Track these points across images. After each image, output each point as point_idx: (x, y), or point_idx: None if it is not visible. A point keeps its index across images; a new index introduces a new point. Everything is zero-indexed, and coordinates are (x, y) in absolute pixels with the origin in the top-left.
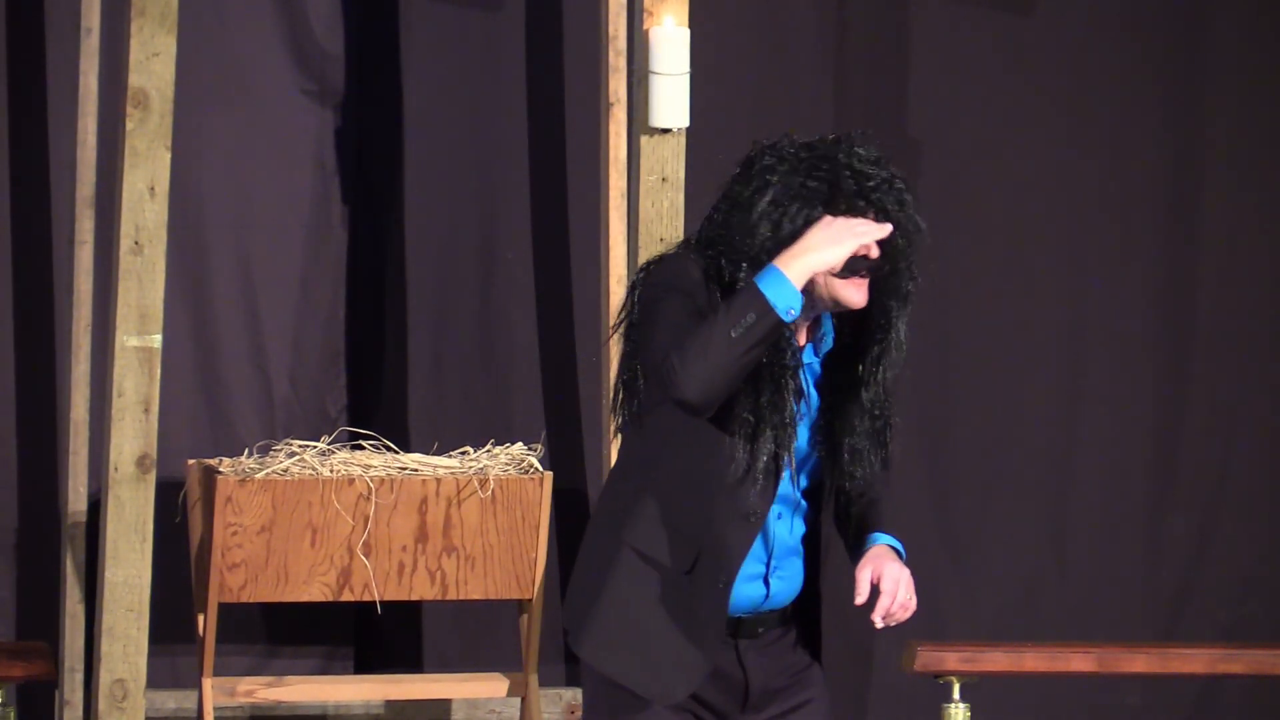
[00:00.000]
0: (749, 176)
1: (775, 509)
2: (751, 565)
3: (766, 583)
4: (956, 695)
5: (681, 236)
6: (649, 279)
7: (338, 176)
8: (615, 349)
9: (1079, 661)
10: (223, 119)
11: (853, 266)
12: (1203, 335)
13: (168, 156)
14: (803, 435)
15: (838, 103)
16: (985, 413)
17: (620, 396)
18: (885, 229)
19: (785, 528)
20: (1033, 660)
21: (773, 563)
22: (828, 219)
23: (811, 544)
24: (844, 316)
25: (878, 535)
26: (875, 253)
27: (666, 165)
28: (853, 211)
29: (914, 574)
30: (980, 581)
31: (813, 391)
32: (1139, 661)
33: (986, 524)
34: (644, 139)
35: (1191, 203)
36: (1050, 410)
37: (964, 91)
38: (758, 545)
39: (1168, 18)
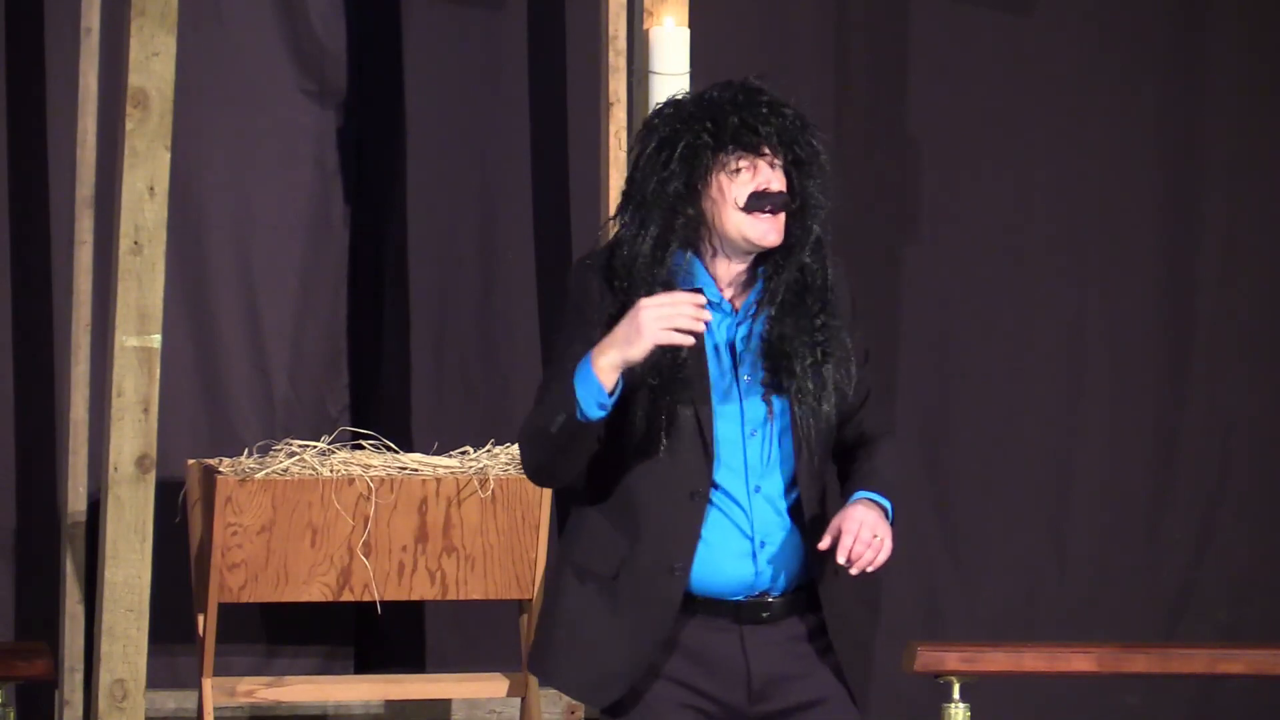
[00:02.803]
0: (640, 137)
1: (749, 483)
2: (736, 543)
3: (755, 561)
4: (956, 695)
5: None
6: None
7: (338, 176)
8: None
9: (1079, 661)
10: (223, 119)
11: (755, 205)
12: (1203, 335)
13: (168, 156)
14: (756, 403)
15: (838, 103)
16: (985, 413)
17: None
18: (694, 317)
19: (766, 503)
20: (1033, 660)
21: (758, 539)
22: (640, 303)
23: (814, 525)
24: (774, 266)
25: (859, 492)
26: (775, 186)
27: None
28: (738, 143)
29: (914, 572)
30: (980, 581)
31: (751, 355)
32: (1139, 661)
33: (986, 524)
34: None
35: (1191, 203)
36: (1050, 410)
37: (964, 91)
38: (740, 523)
39: (1167, 18)
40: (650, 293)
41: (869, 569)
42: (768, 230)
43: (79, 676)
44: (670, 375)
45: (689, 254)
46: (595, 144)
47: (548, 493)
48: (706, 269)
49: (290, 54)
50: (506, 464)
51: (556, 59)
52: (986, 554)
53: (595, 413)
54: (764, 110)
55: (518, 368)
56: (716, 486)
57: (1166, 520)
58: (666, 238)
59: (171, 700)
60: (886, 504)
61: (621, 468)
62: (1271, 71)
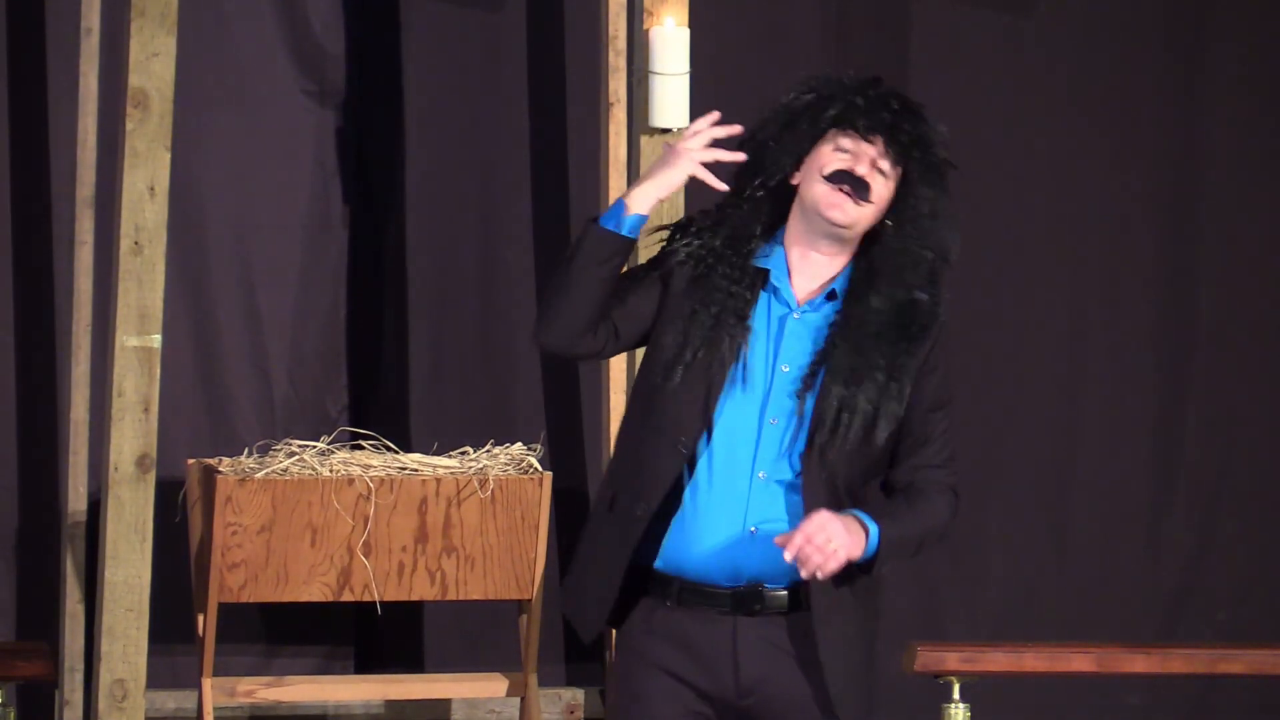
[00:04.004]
0: (771, 112)
1: (755, 468)
2: (728, 525)
3: (743, 546)
4: (956, 695)
5: None
6: None
7: (338, 176)
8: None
9: (1079, 661)
10: (223, 119)
11: (837, 178)
12: (1203, 335)
13: (168, 156)
14: (785, 396)
15: None
16: (985, 412)
17: None
18: (709, 151)
19: (767, 493)
20: (1033, 660)
21: (750, 524)
22: (668, 144)
23: None
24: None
25: (854, 510)
26: (860, 169)
27: None
28: (852, 125)
29: (914, 573)
30: (980, 581)
31: (799, 350)
32: (1139, 661)
33: (986, 524)
34: (644, 139)
35: (1191, 203)
36: (1050, 410)
37: (964, 91)
38: (736, 506)
39: (1167, 18)
40: (735, 256)
41: (818, 574)
42: (838, 204)
43: (79, 676)
44: (709, 323)
45: (780, 244)
46: (595, 144)
47: (548, 493)
48: (786, 256)
49: (290, 54)
50: (506, 464)
51: (556, 59)
52: (986, 554)
53: (609, 225)
54: (894, 106)
55: (518, 368)
56: (713, 465)
57: (1166, 520)
58: (762, 203)
59: (171, 700)
60: (873, 526)
61: (638, 409)
62: (1271, 72)
